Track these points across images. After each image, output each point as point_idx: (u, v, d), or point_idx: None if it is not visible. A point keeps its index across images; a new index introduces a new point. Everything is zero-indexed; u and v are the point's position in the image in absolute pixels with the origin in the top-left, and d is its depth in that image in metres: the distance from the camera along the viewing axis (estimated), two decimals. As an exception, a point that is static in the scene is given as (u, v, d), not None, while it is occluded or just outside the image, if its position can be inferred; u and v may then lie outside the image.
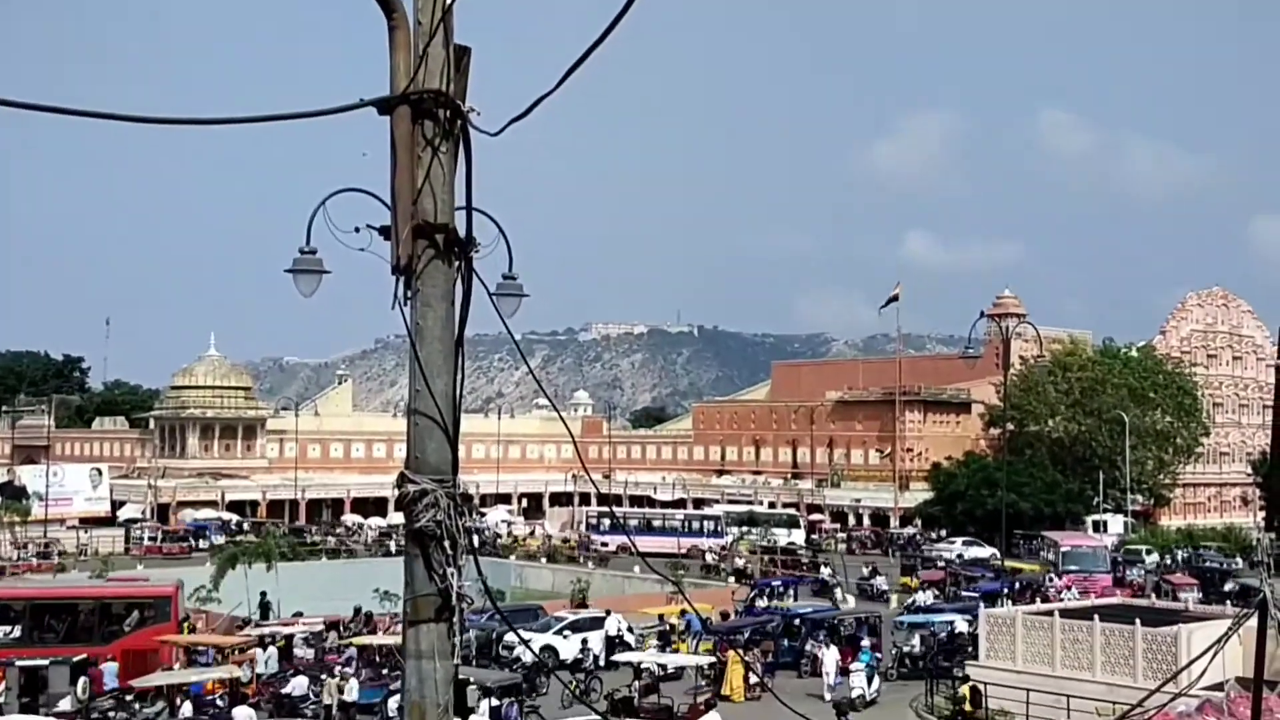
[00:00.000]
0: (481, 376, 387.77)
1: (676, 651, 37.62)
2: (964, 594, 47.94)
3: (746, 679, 33.36)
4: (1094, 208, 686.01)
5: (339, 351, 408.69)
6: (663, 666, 33.65)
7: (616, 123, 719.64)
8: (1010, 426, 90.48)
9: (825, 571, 59.23)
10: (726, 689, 33.25)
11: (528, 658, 33.59)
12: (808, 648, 37.27)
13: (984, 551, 68.20)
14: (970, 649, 36.14)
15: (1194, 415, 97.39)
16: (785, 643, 38.19)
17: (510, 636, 34.82)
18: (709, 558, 65.59)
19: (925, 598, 47.72)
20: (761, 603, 45.85)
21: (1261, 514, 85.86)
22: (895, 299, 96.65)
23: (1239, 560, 62.37)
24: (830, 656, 33.93)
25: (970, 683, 31.63)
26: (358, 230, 5.20)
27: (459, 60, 5.00)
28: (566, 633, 38.04)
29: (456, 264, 5.07)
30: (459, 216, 5.09)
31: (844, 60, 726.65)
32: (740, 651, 34.89)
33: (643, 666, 32.62)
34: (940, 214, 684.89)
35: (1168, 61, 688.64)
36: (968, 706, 30.23)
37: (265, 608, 46.04)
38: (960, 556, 68.39)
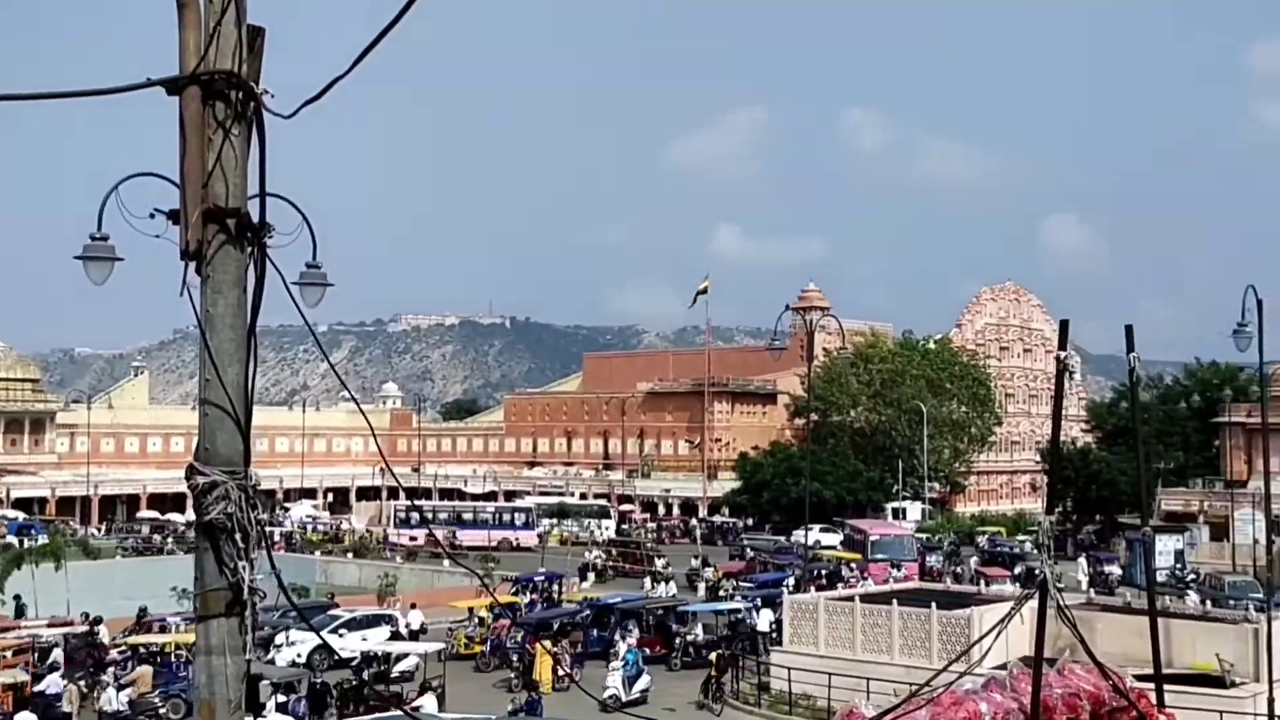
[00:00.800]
0: (286, 368, 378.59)
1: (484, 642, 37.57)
2: (742, 584, 48.57)
3: (555, 670, 33.45)
4: (895, 205, 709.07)
5: (135, 343, 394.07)
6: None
7: (430, 111, 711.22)
8: (814, 416, 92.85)
9: (659, 563, 59.82)
10: (538, 676, 33.29)
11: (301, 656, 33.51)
12: (617, 637, 37.58)
13: (837, 538, 69.20)
14: (758, 636, 37.06)
15: (987, 405, 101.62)
16: (595, 633, 38.42)
17: (282, 636, 34.33)
18: (593, 557, 64.03)
19: (728, 587, 48.40)
20: (529, 597, 45.66)
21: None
22: (704, 291, 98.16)
23: (1028, 544, 65.57)
24: (624, 650, 33.86)
25: (718, 652, 33.48)
26: (152, 216, 5.04)
27: (252, 41, 4.88)
28: (342, 631, 37.36)
29: (250, 250, 4.95)
30: (256, 202, 4.98)
31: (658, 54, 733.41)
32: (548, 643, 35.00)
33: (376, 655, 33.01)
34: (749, 209, 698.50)
35: (966, 64, 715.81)
36: (713, 671, 32.06)
37: (20, 609, 44.32)
38: (818, 543, 69.55)
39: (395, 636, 37.79)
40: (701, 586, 52.73)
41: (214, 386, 4.78)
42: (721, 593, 47.89)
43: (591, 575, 57.60)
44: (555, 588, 46.92)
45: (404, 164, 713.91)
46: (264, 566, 4.95)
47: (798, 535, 73.37)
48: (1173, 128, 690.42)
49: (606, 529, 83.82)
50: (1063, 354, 11.63)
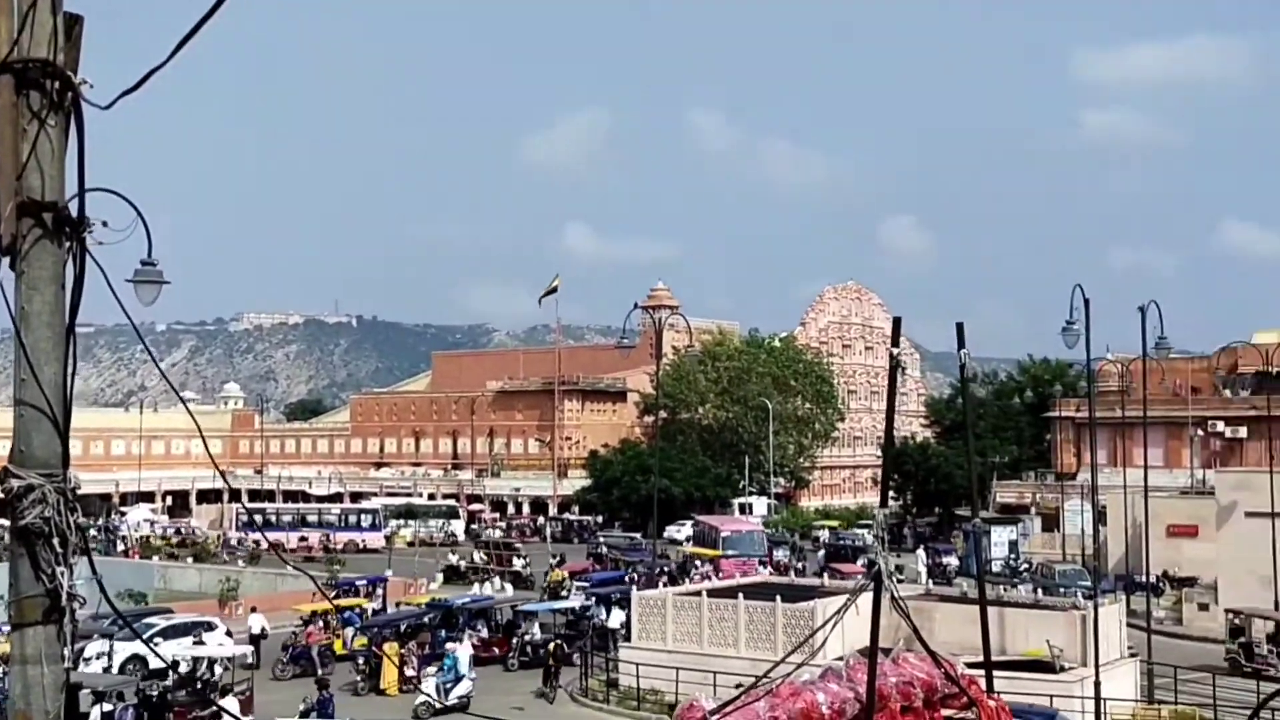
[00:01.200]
0: (123, 369, 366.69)
1: (330, 646, 36.94)
2: (578, 583, 48.18)
3: (402, 672, 33.09)
4: (741, 206, 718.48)
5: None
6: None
7: (276, 105, 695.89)
8: (663, 414, 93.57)
9: (519, 563, 59.45)
10: (383, 682, 32.90)
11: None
12: (451, 642, 37.34)
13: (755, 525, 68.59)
14: (608, 634, 37.22)
15: (831, 402, 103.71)
16: (443, 634, 38.11)
17: (95, 646, 33.12)
18: (454, 559, 62.67)
19: (571, 586, 47.96)
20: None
21: (891, 494, 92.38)
22: (554, 290, 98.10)
23: (868, 537, 67.21)
24: (464, 652, 33.51)
25: (556, 642, 34.01)
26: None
27: (70, 29, 4.72)
28: (158, 640, 36.06)
29: (69, 246, 4.79)
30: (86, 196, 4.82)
31: (510, 52, 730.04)
32: (390, 645, 34.63)
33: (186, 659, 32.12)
34: (599, 208, 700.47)
35: (809, 70, 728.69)
36: (550, 662, 32.58)
37: None
38: (683, 539, 69.71)
39: (199, 644, 36.33)
40: (538, 586, 52.54)
41: (29, 386, 4.61)
42: (564, 592, 47.80)
43: (471, 576, 56.15)
44: (379, 591, 45.66)
45: (248, 160, 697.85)
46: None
47: (671, 530, 73.92)
48: (1004, 131, 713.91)
49: (454, 528, 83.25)
50: (895, 350, 11.92)
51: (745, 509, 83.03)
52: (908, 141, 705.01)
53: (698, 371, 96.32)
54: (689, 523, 74.34)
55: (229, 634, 37.23)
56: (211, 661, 32.11)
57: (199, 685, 30.53)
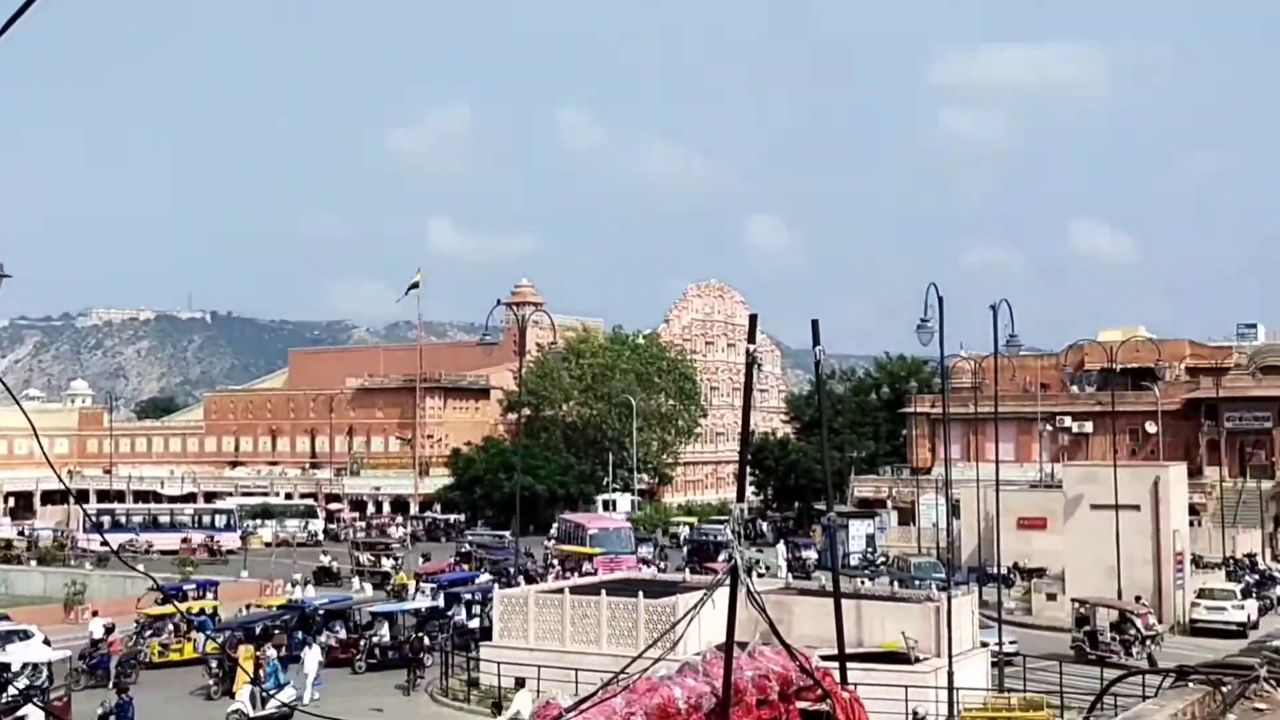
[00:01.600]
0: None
1: (180, 650, 35.94)
2: (424, 583, 47.32)
3: (256, 675, 32.35)
4: (607, 203, 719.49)
5: None
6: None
7: (122, 93, 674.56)
8: (527, 411, 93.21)
9: (387, 564, 58.54)
10: (235, 686, 32.11)
11: None
12: (321, 639, 36.69)
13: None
14: (469, 633, 36.97)
15: (693, 399, 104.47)
16: (300, 635, 37.42)
17: None
18: (326, 560, 60.69)
19: (424, 588, 47.01)
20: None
21: (752, 489, 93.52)
22: (416, 286, 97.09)
23: (729, 532, 67.74)
24: (313, 656, 32.80)
25: (415, 637, 33.98)
26: None
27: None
28: None
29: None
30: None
31: (373, 44, 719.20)
32: (244, 647, 33.83)
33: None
34: (464, 204, 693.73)
35: (676, 69, 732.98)
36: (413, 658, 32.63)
37: None
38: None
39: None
40: (356, 583, 51.77)
41: None
42: (405, 594, 47.17)
43: (356, 581, 54.62)
44: (209, 595, 44.22)
45: (94, 148, 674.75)
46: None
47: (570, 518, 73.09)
48: (866, 131, 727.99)
49: (313, 528, 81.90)
50: (751, 347, 12.03)
51: (609, 505, 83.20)
52: (772, 141, 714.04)
53: (561, 368, 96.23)
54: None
55: (47, 642, 35.52)
56: (36, 667, 30.65)
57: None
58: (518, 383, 70.53)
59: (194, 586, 44.88)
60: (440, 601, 39.95)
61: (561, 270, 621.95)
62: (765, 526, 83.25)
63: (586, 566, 50.33)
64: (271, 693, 28.71)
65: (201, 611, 39.49)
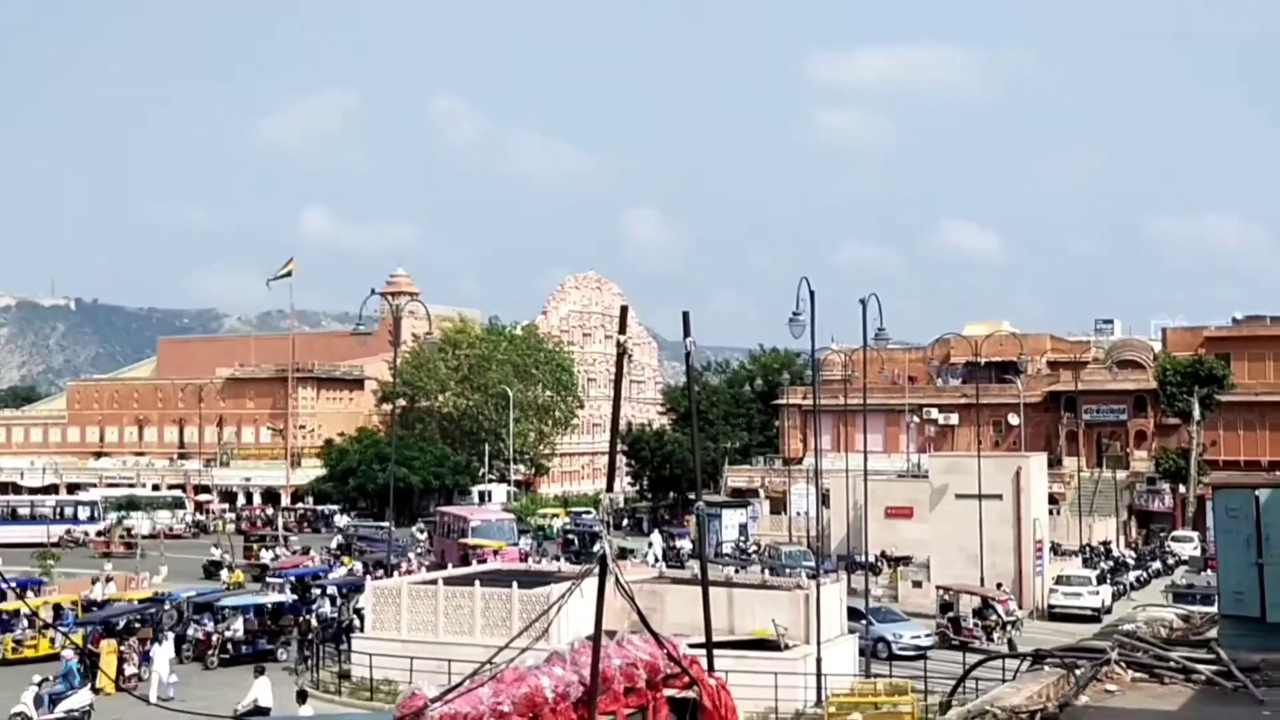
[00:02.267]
0: None
1: (35, 646, 34.80)
2: (272, 579, 46.29)
3: (120, 670, 31.53)
4: (486, 194, 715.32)
5: None
6: None
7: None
8: (402, 402, 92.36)
9: (216, 552, 57.12)
10: (99, 681, 31.20)
11: None
12: (190, 632, 35.87)
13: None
14: (340, 625, 36.53)
15: (570, 390, 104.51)
16: (165, 629, 36.52)
17: None
18: (217, 553, 58.23)
19: (274, 582, 45.80)
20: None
21: (628, 479, 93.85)
22: (288, 274, 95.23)
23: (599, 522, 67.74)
24: (162, 654, 31.86)
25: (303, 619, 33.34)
26: None
27: None
28: None
29: None
30: None
31: (245, 29, 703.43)
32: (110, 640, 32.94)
33: None
34: (339, 193, 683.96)
35: (556, 62, 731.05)
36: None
37: None
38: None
39: None
40: (224, 575, 50.63)
41: None
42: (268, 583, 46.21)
43: (225, 573, 52.87)
44: (31, 594, 42.19)
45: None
46: None
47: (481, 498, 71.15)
48: (743, 129, 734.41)
49: (180, 519, 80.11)
50: (622, 338, 12.07)
51: (484, 497, 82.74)
52: (651, 136, 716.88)
53: (438, 359, 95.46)
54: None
55: None
56: None
57: None
58: (393, 373, 69.67)
59: (15, 584, 42.12)
60: (288, 596, 39.36)
61: (439, 261, 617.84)
62: (640, 515, 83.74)
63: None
64: (64, 692, 27.31)
65: (59, 606, 38.26)
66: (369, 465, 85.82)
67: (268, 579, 46.22)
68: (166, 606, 37.65)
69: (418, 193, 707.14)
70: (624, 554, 50.82)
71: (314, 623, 37.17)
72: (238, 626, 36.10)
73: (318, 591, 41.13)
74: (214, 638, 35.43)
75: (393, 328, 67.77)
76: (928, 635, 36.57)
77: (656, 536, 62.91)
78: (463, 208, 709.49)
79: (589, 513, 77.13)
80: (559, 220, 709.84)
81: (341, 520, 76.38)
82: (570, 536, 64.79)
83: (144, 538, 68.78)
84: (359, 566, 49.40)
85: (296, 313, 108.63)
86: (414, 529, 71.79)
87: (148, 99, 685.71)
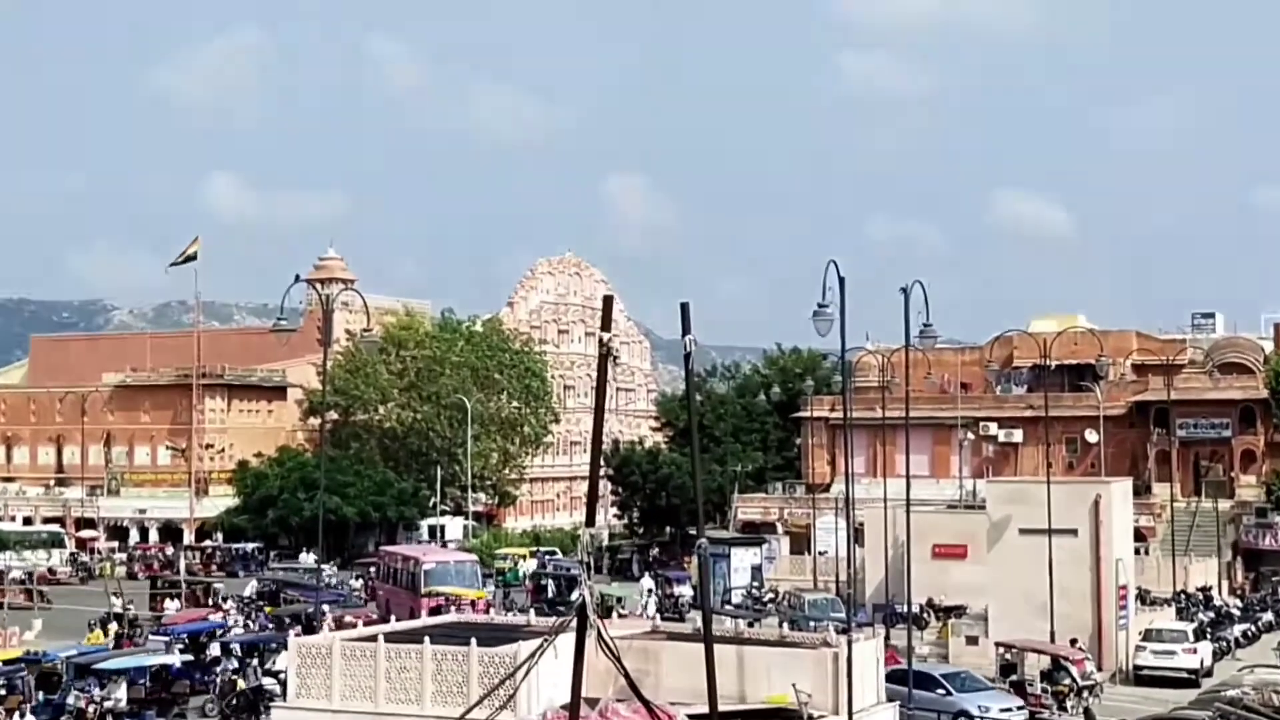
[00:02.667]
0: None
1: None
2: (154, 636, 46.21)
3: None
4: (434, 157, 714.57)
5: None
6: None
7: None
8: (334, 415, 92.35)
9: (117, 602, 56.67)
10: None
11: None
12: (70, 701, 35.81)
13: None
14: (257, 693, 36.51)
15: (543, 400, 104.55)
16: (41, 695, 36.59)
17: None
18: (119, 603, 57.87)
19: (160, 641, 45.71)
20: None
21: (615, 511, 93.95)
22: (192, 257, 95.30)
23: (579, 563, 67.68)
24: None
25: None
26: None
27: None
28: None
29: None
30: None
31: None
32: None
33: None
34: (252, 156, 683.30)
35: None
36: None
37: None
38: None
39: None
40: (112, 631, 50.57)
41: None
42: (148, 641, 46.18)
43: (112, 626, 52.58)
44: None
45: None
46: None
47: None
48: (747, 85, 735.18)
49: (55, 560, 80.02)
50: (606, 336, 12.04)
51: (435, 533, 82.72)
52: (639, 87, 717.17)
53: (378, 362, 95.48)
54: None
55: None
56: None
57: None
58: (322, 379, 69.75)
59: None
60: (175, 657, 39.36)
61: (378, 240, 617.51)
62: (630, 555, 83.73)
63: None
64: None
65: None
66: (293, 493, 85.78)
67: (150, 635, 46.12)
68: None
69: (350, 156, 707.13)
70: (608, 604, 50.93)
71: (221, 687, 37.28)
72: (120, 695, 36.04)
73: (217, 650, 41.19)
74: (91, 708, 35.36)
75: (322, 323, 67.89)
76: (1020, 709, 36.54)
77: (649, 581, 62.97)
78: (407, 175, 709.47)
79: (554, 553, 77.13)
80: (526, 191, 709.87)
81: (270, 567, 75.79)
82: (542, 582, 64.77)
83: (15, 583, 68.59)
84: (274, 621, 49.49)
85: (202, 305, 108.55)
86: (349, 575, 71.59)
87: (6, 43, 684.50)
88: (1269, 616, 58.51)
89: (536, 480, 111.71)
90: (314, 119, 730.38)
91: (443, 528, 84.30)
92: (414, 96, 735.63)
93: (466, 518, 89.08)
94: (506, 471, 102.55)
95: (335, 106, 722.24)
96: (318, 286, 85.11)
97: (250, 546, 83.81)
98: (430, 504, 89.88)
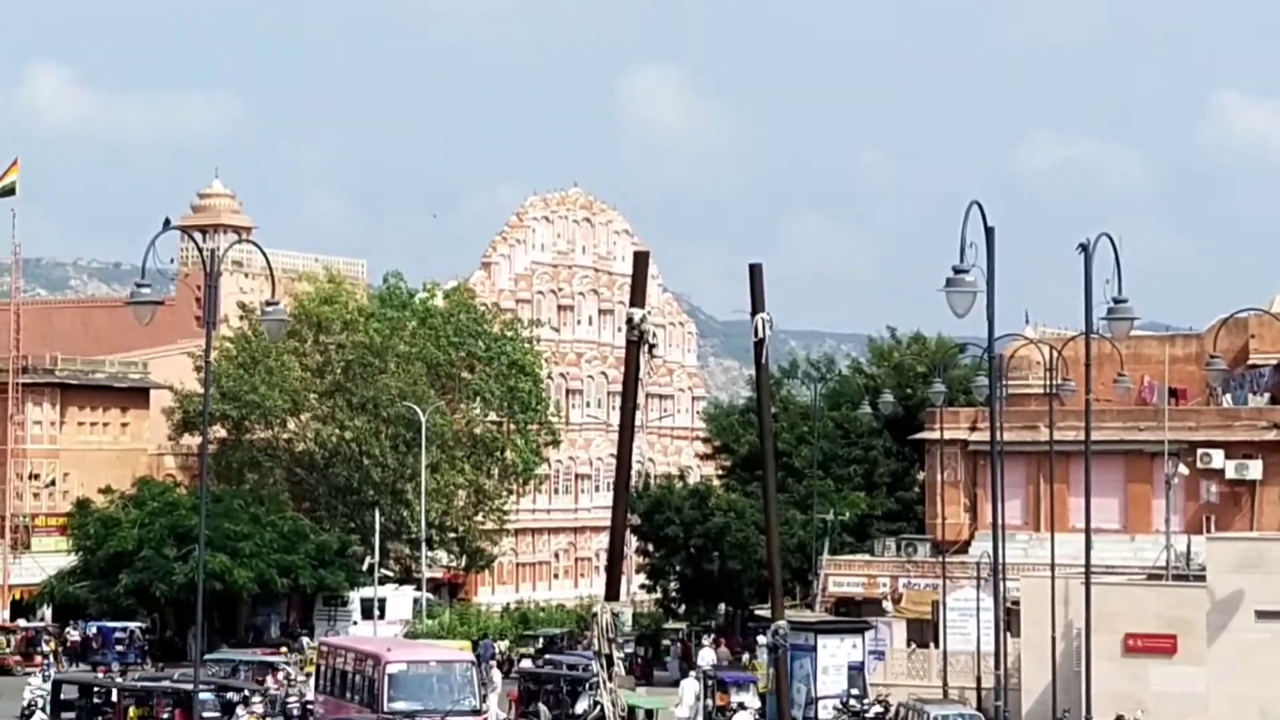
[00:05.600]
0: None
1: None
2: None
3: None
4: (370, 46, 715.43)
5: None
6: None
7: None
8: (221, 431, 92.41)
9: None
10: None
11: None
12: None
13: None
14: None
15: (535, 411, 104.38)
16: None
17: None
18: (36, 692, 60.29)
19: None
20: None
21: (641, 579, 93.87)
22: (9, 191, 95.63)
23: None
24: None
25: None
26: None
27: None
28: None
29: None
30: None
31: None
32: None
33: None
34: (87, 40, 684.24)
35: None
36: None
37: None
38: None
39: None
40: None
41: None
42: None
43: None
44: None
45: None
46: None
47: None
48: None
49: None
50: (637, 314, 12.01)
51: (371, 608, 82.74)
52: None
53: (286, 352, 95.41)
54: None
55: None
56: None
57: None
58: (203, 378, 69.93)
59: None
60: None
61: (286, 167, 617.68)
62: (669, 644, 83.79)
63: None
64: None
65: None
66: (158, 549, 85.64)
67: None
68: None
69: (243, 41, 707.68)
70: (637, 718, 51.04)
71: None
72: None
73: None
74: None
75: (202, 293, 67.92)
76: None
77: (694, 685, 63.06)
78: (328, 70, 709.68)
79: (555, 639, 77.17)
80: (507, 96, 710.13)
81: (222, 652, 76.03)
82: (530, 685, 65.01)
83: None
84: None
85: (22, 262, 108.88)
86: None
87: None
88: None
89: (524, 531, 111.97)
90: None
91: (383, 601, 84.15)
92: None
93: (419, 587, 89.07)
94: (479, 518, 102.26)
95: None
96: (196, 237, 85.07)
97: (133, 626, 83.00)
98: (365, 566, 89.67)
